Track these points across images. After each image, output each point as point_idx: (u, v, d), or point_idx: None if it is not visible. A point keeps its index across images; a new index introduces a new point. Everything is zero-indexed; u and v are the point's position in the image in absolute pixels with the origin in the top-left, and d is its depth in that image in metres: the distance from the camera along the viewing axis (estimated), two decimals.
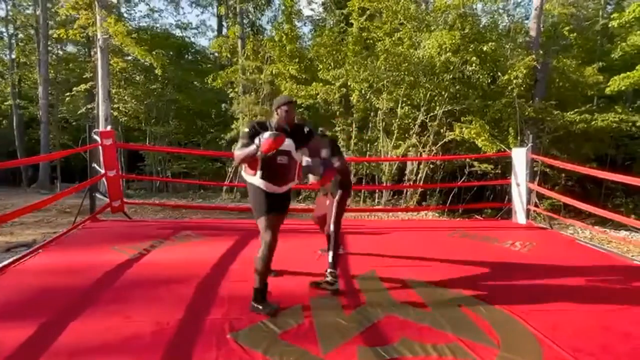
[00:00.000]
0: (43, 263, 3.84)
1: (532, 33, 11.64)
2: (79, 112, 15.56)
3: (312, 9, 22.13)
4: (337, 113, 11.54)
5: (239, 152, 2.85)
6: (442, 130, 10.03)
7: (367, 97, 10.51)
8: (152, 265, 3.82)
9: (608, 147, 12.33)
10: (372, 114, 11.31)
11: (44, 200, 5.56)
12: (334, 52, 11.33)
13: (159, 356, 2.29)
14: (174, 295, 3.09)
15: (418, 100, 10.22)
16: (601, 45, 14.50)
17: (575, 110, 10.55)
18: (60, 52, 18.78)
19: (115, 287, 3.28)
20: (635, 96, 13.87)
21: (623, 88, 10.87)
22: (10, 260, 3.84)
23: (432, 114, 10.06)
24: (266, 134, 2.72)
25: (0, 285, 3.26)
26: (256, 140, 2.76)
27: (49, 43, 16.25)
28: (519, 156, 6.43)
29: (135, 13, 21.40)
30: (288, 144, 2.84)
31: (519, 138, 9.41)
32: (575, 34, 13.70)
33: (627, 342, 2.55)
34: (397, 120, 10.12)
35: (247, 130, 2.90)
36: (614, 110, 10.90)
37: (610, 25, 11.77)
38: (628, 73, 10.55)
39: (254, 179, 2.93)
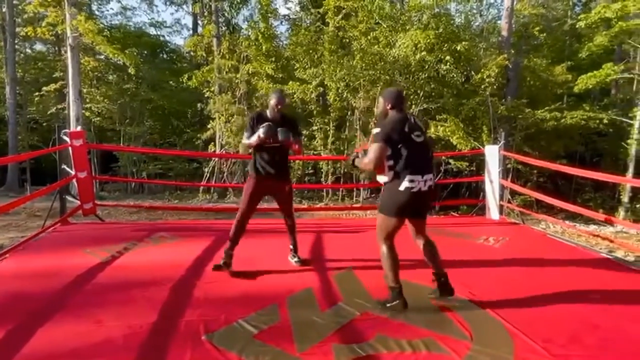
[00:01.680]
0: (10, 268, 3.70)
1: (504, 33, 11.89)
2: (49, 112, 15.13)
3: (288, 8, 22.14)
4: (314, 112, 11.55)
5: None
6: None
7: (344, 96, 10.55)
8: (125, 268, 3.73)
9: (577, 144, 12.74)
10: (349, 112, 11.36)
11: (11, 203, 5.35)
12: (311, 51, 11.34)
13: None
14: (147, 298, 3.02)
15: None
16: (570, 45, 14.96)
17: (546, 108, 10.83)
18: (29, 51, 18.25)
19: (85, 291, 3.19)
20: (602, 94, 14.36)
21: (590, 86, 11.22)
22: None
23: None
24: None
25: None
26: None
27: (16, 41, 15.72)
28: (492, 153, 6.52)
29: (107, 10, 20.85)
30: None
31: (492, 136, 9.61)
32: (545, 34, 14.08)
33: (596, 332, 2.63)
34: (374, 119, 10.20)
35: None
36: (582, 108, 11.24)
37: (577, 26, 12.13)
38: (594, 72, 10.90)
39: None
